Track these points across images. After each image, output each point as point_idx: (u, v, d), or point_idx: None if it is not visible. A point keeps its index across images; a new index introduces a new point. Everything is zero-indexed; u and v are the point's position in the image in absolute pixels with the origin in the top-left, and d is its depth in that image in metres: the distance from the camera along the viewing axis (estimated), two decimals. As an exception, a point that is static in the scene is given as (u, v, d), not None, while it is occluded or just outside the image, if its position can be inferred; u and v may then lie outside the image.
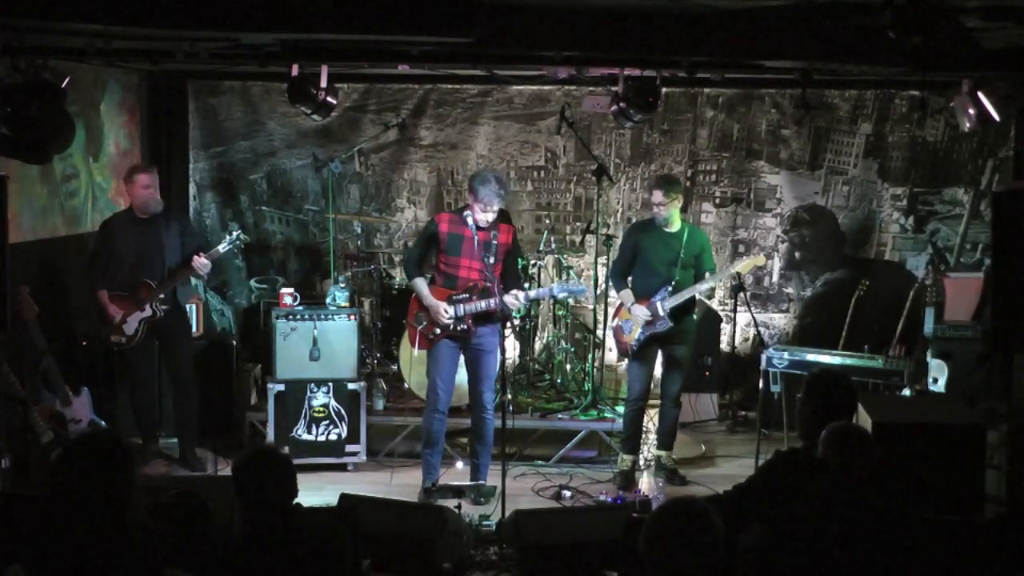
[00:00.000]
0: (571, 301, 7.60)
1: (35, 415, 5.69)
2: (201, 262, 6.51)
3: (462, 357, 6.16)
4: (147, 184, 6.59)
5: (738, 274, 6.64)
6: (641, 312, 6.39)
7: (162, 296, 6.55)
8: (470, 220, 5.88)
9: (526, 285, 6.82)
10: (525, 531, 5.04)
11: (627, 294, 6.54)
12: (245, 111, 8.56)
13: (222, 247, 6.65)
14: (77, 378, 6.34)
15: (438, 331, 6.01)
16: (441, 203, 8.53)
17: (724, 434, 7.87)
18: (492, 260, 5.90)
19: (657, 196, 6.38)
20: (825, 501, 3.41)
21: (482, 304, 5.92)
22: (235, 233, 6.74)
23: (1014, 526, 4.14)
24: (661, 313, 6.35)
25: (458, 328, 5.97)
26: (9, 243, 5.53)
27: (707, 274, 6.42)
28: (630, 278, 6.60)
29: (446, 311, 5.93)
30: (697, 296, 6.47)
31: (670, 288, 6.35)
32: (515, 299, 5.95)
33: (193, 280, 6.96)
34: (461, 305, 5.94)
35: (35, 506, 3.29)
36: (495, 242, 5.91)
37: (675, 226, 6.45)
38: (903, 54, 5.47)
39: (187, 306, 7.09)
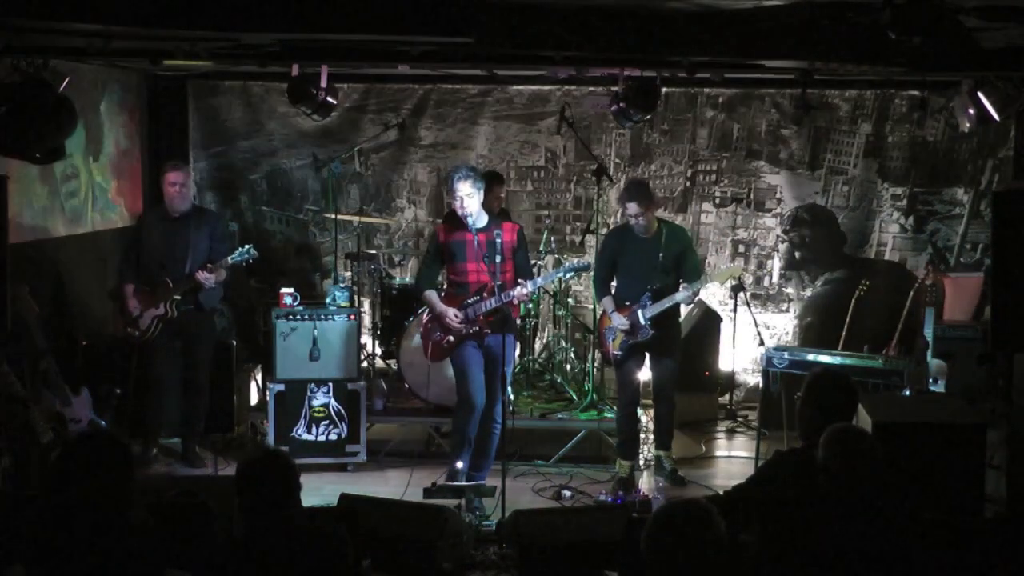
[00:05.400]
0: (571, 301, 7.60)
1: (35, 415, 5.69)
2: (203, 275, 6.51)
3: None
4: (173, 182, 6.62)
5: (728, 282, 6.57)
6: (620, 321, 6.33)
7: (178, 297, 6.55)
8: (468, 221, 5.84)
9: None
10: (525, 531, 5.04)
11: (608, 301, 6.44)
12: (245, 111, 8.57)
13: (230, 259, 6.59)
14: (77, 378, 6.34)
15: (452, 339, 5.94)
16: (441, 203, 8.53)
17: (724, 434, 7.87)
18: (499, 260, 5.78)
19: (632, 208, 6.20)
20: (825, 502, 3.41)
21: (492, 301, 5.81)
22: (247, 247, 6.67)
23: (1014, 526, 4.15)
24: (641, 322, 6.27)
25: (470, 331, 5.89)
26: (9, 243, 5.53)
27: (682, 284, 6.29)
28: (613, 284, 6.53)
29: (456, 315, 5.86)
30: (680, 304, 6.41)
31: (650, 296, 6.27)
32: (522, 288, 5.80)
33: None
34: (472, 308, 5.86)
35: (35, 506, 3.29)
36: (499, 241, 5.78)
37: (652, 229, 6.34)
38: (903, 54, 5.47)
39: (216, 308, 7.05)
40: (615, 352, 6.44)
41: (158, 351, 6.72)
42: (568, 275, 6.57)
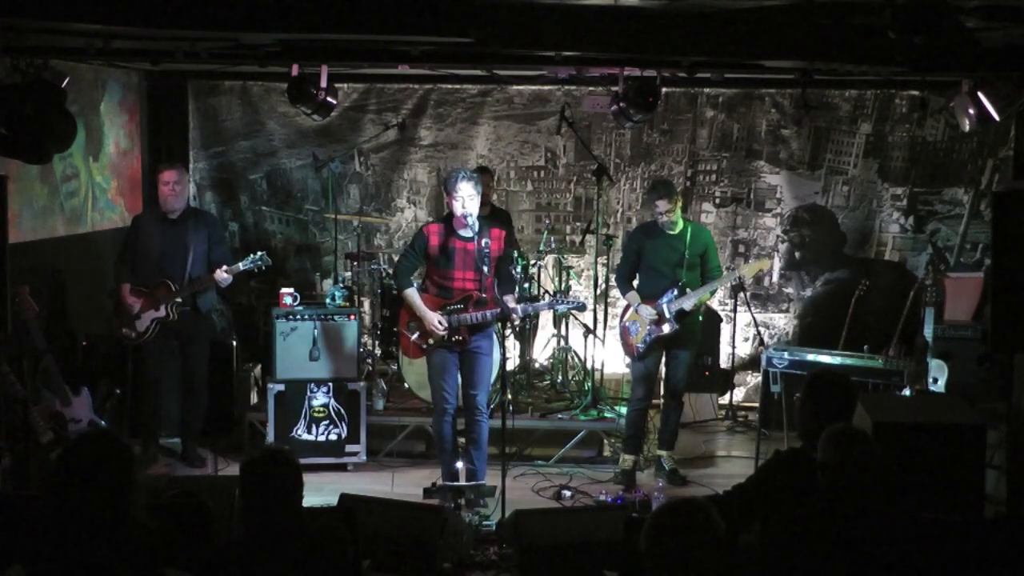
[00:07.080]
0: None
1: (35, 415, 5.70)
2: (223, 276, 6.52)
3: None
4: (167, 180, 6.62)
5: (741, 277, 6.66)
6: (647, 312, 6.40)
7: (178, 300, 6.56)
8: (468, 221, 5.82)
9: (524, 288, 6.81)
10: (525, 531, 5.04)
11: (633, 295, 6.55)
12: (245, 111, 8.57)
13: (243, 265, 6.59)
14: (77, 378, 6.34)
15: (431, 341, 5.94)
16: (441, 203, 8.52)
17: (724, 434, 7.87)
18: (486, 270, 5.81)
19: (662, 205, 6.35)
20: (825, 502, 3.41)
21: (476, 316, 5.85)
22: (260, 253, 6.68)
23: (1014, 526, 4.14)
24: (667, 315, 6.36)
25: (453, 339, 5.91)
26: (9, 243, 5.53)
27: (705, 282, 6.47)
28: (636, 281, 6.61)
29: (440, 322, 5.87)
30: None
31: (676, 290, 6.36)
32: (514, 314, 5.90)
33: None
34: (455, 316, 5.87)
35: (35, 506, 3.29)
36: (487, 251, 5.80)
37: (678, 227, 6.46)
38: (903, 54, 5.47)
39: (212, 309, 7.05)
40: (638, 345, 6.49)
41: (154, 352, 6.71)
42: (563, 311, 6.66)
